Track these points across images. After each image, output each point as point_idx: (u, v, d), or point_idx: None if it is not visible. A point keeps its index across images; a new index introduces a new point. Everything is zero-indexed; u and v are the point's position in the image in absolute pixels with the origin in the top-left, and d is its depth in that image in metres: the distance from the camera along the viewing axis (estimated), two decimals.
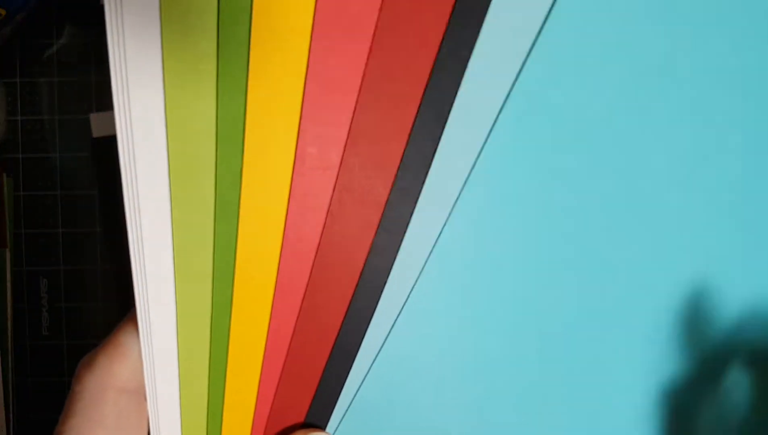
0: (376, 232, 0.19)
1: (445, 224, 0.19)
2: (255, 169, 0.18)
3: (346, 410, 0.20)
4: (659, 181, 0.19)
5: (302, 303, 0.19)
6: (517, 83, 0.18)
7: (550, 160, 0.19)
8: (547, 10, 0.18)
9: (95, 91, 0.35)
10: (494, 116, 0.18)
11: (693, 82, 0.18)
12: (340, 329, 0.20)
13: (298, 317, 0.19)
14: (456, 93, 0.18)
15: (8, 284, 0.35)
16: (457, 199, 0.19)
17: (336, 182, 0.19)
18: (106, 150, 0.35)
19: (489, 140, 0.19)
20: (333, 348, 0.20)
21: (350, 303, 0.19)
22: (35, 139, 0.36)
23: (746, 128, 0.19)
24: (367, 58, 0.18)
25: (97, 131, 0.35)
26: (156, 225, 0.18)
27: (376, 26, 0.17)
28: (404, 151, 0.18)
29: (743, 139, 0.19)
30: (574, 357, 0.20)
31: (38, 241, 0.37)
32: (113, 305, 0.37)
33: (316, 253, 0.19)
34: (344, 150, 0.18)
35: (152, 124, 0.17)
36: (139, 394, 0.18)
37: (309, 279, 0.19)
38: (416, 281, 0.20)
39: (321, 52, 0.18)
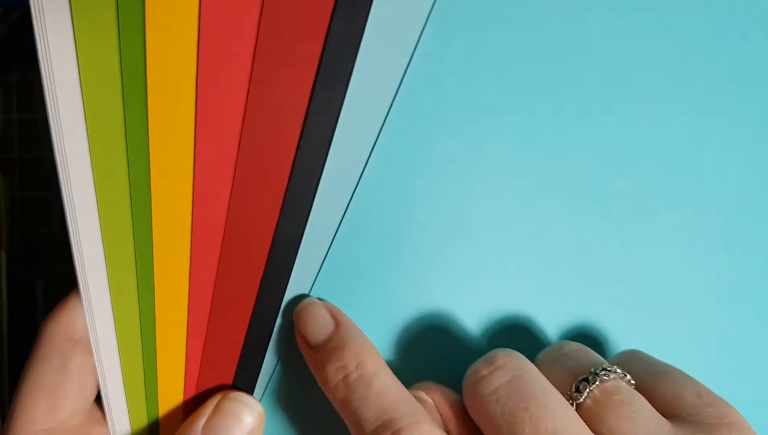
0: (278, 218, 0.20)
1: (351, 197, 0.20)
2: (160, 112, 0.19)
3: (270, 376, 0.21)
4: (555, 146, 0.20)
5: (218, 266, 0.21)
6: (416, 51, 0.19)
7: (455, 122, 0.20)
8: None
9: None
10: (392, 95, 0.19)
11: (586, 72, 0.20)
12: (259, 289, 0.21)
13: (215, 282, 0.21)
14: (353, 64, 0.19)
15: (4, 286, 0.35)
16: (361, 174, 0.20)
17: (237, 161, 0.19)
18: None
19: (387, 119, 0.19)
20: (254, 308, 0.21)
21: (265, 267, 0.20)
22: (31, 139, 0.36)
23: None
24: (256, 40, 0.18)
25: None
26: (79, 175, 0.20)
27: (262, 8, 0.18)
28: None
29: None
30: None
31: (34, 242, 0.36)
32: None
33: (225, 227, 0.20)
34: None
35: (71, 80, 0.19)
36: (84, 344, 0.21)
37: (221, 253, 0.20)
38: (330, 247, 0.20)
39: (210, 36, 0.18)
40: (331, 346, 0.19)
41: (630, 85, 0.20)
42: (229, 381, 0.21)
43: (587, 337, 0.21)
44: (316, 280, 0.21)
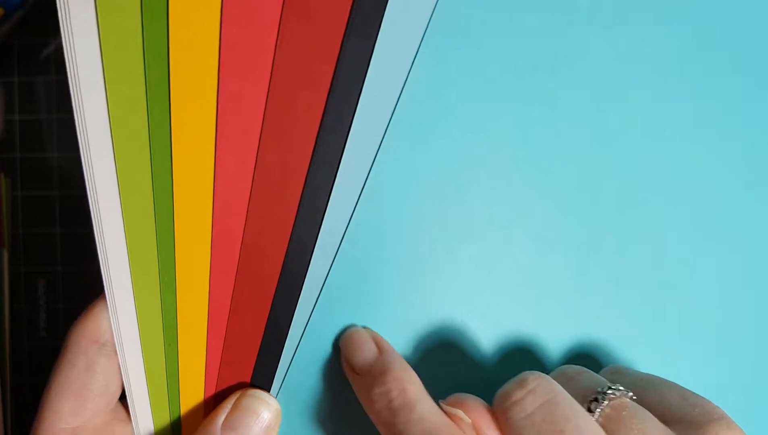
0: (293, 226, 0.21)
1: (356, 205, 0.21)
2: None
3: (285, 373, 0.22)
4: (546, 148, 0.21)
5: (237, 271, 0.22)
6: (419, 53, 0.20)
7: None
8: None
9: None
10: (392, 108, 0.20)
11: (586, 76, 0.21)
12: (275, 292, 0.22)
13: (234, 286, 0.22)
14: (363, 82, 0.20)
15: (6, 285, 0.35)
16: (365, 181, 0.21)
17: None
18: None
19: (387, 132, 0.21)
20: (270, 309, 0.22)
21: (281, 272, 0.21)
22: (33, 139, 0.36)
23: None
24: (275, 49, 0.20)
25: None
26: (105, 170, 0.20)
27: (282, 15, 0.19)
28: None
29: None
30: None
31: (36, 241, 0.37)
32: None
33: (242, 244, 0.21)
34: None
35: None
36: (108, 347, 0.22)
37: (239, 259, 0.21)
38: (337, 252, 0.21)
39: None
40: (375, 372, 0.20)
41: (617, 92, 0.21)
42: (248, 379, 0.22)
43: (582, 350, 0.23)
44: (325, 283, 0.21)
